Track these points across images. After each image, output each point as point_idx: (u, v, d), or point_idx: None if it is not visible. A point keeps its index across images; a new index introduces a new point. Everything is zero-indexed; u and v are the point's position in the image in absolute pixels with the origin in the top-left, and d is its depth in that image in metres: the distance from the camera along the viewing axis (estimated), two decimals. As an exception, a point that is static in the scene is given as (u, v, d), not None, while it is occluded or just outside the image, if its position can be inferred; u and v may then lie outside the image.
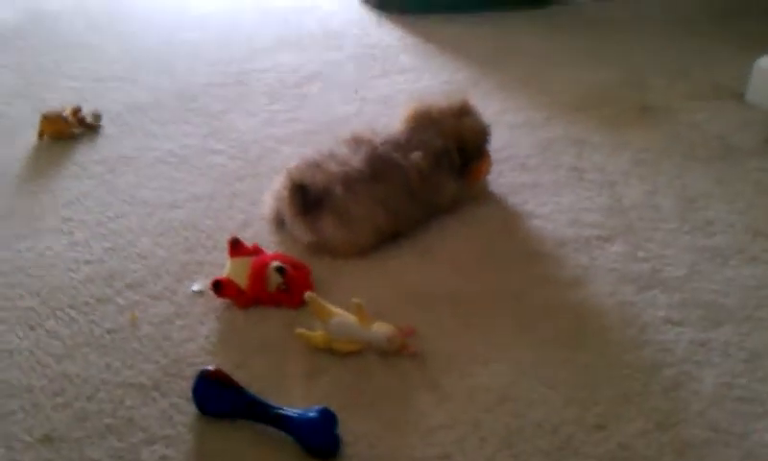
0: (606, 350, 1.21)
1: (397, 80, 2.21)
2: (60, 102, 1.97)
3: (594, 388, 1.13)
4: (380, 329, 1.17)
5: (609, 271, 1.39)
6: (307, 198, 1.40)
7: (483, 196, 1.62)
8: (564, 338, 1.23)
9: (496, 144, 1.66)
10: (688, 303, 1.30)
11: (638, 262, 1.41)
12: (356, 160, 1.45)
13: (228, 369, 1.11)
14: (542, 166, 1.74)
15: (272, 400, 1.07)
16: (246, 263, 1.31)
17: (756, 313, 1.29)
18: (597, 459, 1.02)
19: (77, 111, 1.88)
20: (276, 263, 1.29)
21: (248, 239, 1.42)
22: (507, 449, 1.03)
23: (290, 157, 1.73)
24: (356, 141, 1.50)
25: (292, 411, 1.04)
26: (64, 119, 1.85)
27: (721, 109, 2.01)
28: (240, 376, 1.10)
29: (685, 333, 1.24)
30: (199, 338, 1.22)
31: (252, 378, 1.12)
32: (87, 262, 1.41)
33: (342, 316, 1.19)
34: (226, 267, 1.32)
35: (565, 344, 1.22)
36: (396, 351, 1.17)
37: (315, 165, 1.45)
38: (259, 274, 1.28)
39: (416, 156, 1.48)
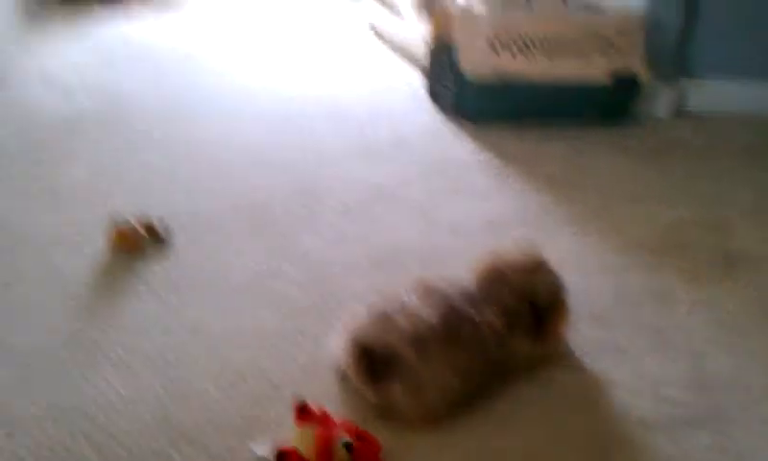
0: None
1: (468, 203, 2.16)
2: (123, 204, 1.98)
3: None
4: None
5: (698, 468, 1.29)
6: (374, 363, 1.34)
7: (559, 356, 1.54)
8: None
9: (568, 290, 1.58)
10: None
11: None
12: (428, 314, 1.39)
13: None
14: (622, 323, 1.65)
15: None
16: (312, 433, 1.24)
17: None
18: None
19: (150, 226, 1.87)
20: (344, 438, 1.22)
21: (314, 391, 1.37)
22: None
23: (357, 292, 1.70)
24: (426, 290, 1.44)
25: None
26: (138, 234, 1.83)
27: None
28: None
29: None
30: (258, 521, 1.16)
31: None
32: (147, 405, 1.36)
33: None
34: (293, 435, 1.25)
35: None
36: None
37: (383, 319, 1.39)
38: (327, 448, 1.22)
39: (490, 313, 1.42)
